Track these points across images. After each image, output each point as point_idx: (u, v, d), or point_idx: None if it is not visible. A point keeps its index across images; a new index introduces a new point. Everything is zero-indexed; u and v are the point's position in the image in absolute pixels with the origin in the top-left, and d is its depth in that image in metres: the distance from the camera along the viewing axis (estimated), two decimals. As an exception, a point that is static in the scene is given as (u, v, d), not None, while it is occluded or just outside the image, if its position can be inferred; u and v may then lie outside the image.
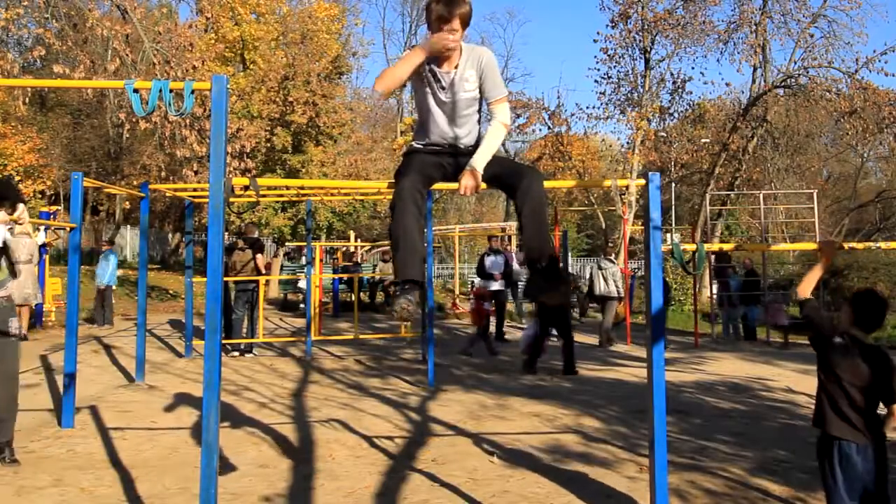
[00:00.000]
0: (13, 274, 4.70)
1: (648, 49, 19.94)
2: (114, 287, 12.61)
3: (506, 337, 11.76)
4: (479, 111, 3.24)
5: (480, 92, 3.13)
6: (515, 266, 14.93)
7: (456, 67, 3.06)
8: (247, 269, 9.46)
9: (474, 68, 3.07)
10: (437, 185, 3.38)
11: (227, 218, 10.28)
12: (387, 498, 4.03)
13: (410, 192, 2.99)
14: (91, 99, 19.68)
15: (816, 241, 3.82)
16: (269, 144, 17.72)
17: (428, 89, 3.11)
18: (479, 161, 3.05)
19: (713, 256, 13.30)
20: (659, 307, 3.72)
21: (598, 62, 20.35)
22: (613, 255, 12.11)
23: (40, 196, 22.41)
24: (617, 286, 11.37)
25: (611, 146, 24.97)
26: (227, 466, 4.45)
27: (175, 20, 17.36)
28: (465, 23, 2.96)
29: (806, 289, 3.34)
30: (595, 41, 20.12)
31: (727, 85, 32.02)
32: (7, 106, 20.28)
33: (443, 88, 3.08)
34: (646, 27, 19.49)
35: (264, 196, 12.41)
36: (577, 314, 16.35)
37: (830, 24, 19.42)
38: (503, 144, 3.28)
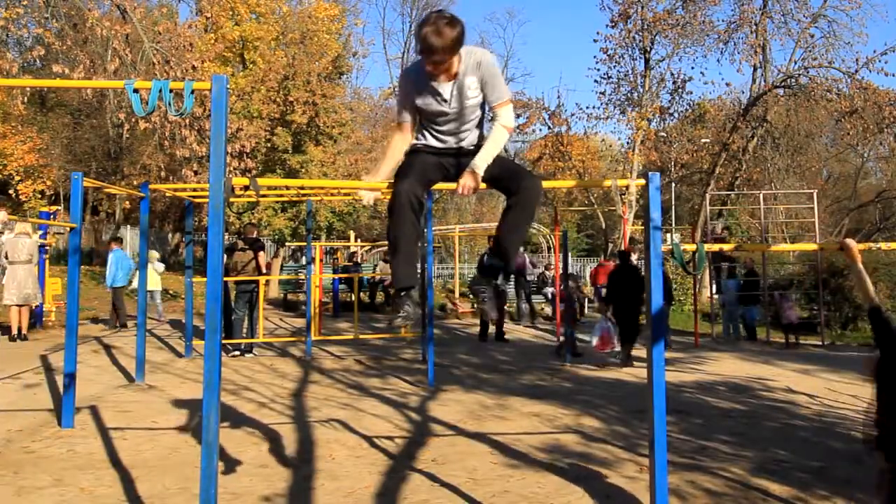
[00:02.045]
0: None
1: (648, 49, 19.95)
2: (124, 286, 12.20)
3: (506, 337, 11.76)
4: (482, 113, 3.21)
5: (483, 96, 3.09)
6: (529, 268, 15.15)
7: (455, 77, 3.02)
8: (248, 269, 9.46)
9: (475, 74, 3.02)
10: (438, 185, 3.38)
11: (226, 219, 10.26)
12: (387, 498, 4.03)
13: (408, 196, 2.98)
14: (91, 99, 19.67)
15: (838, 242, 3.60)
16: (269, 144, 17.72)
17: (431, 100, 3.08)
18: (481, 163, 3.02)
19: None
20: (659, 307, 3.71)
21: (597, 62, 20.39)
22: (637, 254, 11.96)
23: (40, 196, 22.39)
24: None
25: (611, 146, 25.00)
26: (231, 465, 4.45)
27: (175, 20, 17.37)
28: (458, 45, 2.87)
29: (869, 292, 3.14)
30: (595, 41, 20.15)
31: (727, 85, 32.08)
32: (7, 106, 20.29)
33: (445, 101, 3.05)
34: (646, 27, 19.49)
35: (264, 196, 12.41)
36: (577, 314, 16.35)
37: (830, 24, 19.44)
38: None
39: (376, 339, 11.37)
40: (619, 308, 9.19)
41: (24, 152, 21.55)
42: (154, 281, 13.39)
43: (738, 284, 14.03)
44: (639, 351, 10.69)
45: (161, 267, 13.60)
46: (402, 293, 3.06)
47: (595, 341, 9.17)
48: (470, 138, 3.19)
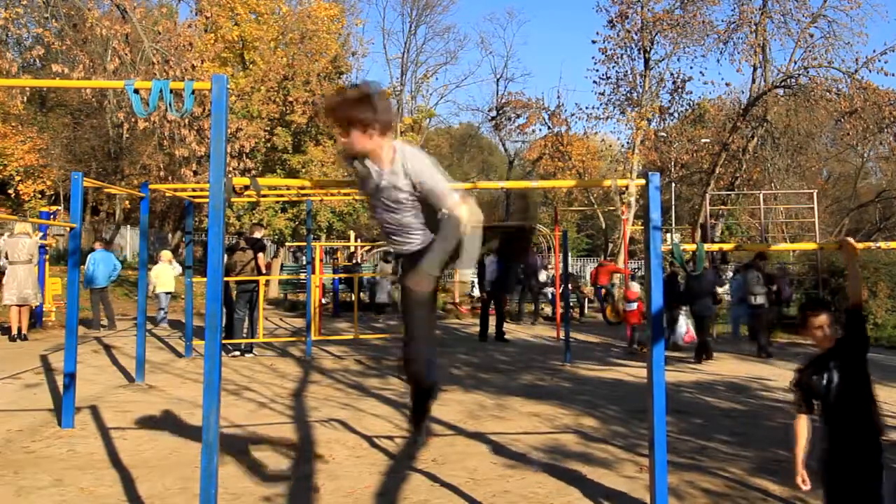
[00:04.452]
0: None
1: (648, 49, 19.95)
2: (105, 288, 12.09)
3: (506, 337, 11.75)
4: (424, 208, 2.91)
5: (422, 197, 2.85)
6: (542, 277, 15.32)
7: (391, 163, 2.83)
8: (248, 268, 9.46)
9: (406, 176, 2.81)
10: None
11: (226, 219, 10.18)
12: (387, 498, 4.03)
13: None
14: (91, 99, 19.65)
15: (838, 240, 3.64)
16: (269, 144, 17.73)
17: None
18: (429, 262, 2.73)
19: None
20: (659, 307, 3.71)
21: (596, 63, 20.38)
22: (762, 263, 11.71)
23: (40, 196, 22.40)
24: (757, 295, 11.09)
25: (611, 146, 24.99)
26: (231, 465, 4.45)
27: (175, 20, 17.35)
28: (366, 126, 2.72)
29: (859, 293, 3.20)
30: (594, 42, 20.16)
31: (727, 85, 31.99)
32: (7, 106, 20.30)
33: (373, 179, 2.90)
34: (645, 27, 19.49)
35: (265, 196, 12.40)
36: (577, 313, 16.35)
37: (830, 24, 19.40)
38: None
39: (376, 339, 11.37)
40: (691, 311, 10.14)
41: (25, 152, 21.56)
42: (167, 282, 13.30)
43: (740, 285, 14.01)
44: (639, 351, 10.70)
45: (178, 269, 13.47)
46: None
47: (684, 335, 10.18)
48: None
